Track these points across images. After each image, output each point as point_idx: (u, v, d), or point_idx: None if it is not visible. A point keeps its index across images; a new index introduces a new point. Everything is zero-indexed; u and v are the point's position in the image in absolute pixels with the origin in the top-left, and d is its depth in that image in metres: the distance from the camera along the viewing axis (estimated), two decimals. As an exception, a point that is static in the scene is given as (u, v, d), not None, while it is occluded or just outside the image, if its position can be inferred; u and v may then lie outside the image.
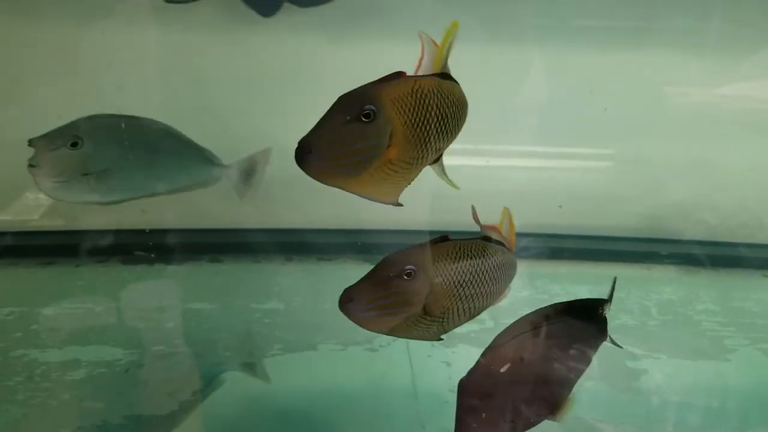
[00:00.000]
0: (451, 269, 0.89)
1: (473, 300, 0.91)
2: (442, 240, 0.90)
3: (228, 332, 1.39)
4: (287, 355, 1.32)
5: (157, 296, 1.48)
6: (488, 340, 1.40)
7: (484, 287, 0.92)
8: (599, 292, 1.01)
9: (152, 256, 1.62)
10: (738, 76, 1.70)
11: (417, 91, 0.79)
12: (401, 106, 0.78)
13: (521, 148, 1.77)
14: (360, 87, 0.78)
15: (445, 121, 0.82)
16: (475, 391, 0.85)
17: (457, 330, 1.41)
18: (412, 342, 1.35)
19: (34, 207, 1.58)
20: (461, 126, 0.87)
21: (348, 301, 0.85)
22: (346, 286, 0.87)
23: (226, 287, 1.56)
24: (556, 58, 1.66)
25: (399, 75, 0.80)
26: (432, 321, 0.89)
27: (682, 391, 1.30)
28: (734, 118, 1.73)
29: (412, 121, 0.79)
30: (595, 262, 1.74)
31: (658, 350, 1.40)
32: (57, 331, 1.37)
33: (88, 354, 1.29)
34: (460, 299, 0.90)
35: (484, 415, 0.85)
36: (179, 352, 1.31)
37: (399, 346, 1.35)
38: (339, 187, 0.79)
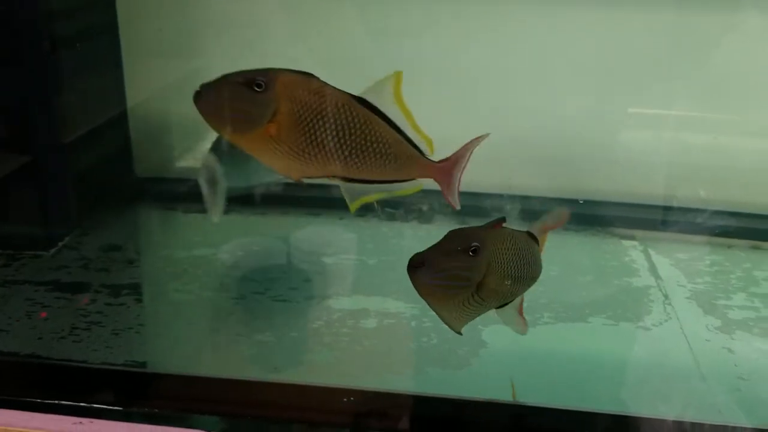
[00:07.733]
0: (504, 253, 0.92)
1: (513, 286, 0.95)
2: (497, 223, 0.94)
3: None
4: (559, 324, 1.36)
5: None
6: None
7: (522, 275, 0.95)
8: None
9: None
10: None
11: (315, 90, 0.86)
12: (292, 94, 0.85)
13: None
14: (270, 68, 0.86)
15: (344, 139, 0.86)
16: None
17: (733, 317, 1.39)
18: (686, 324, 1.35)
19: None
20: (373, 156, 0.88)
21: (419, 265, 0.86)
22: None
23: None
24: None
25: (307, 74, 0.87)
26: (477, 302, 0.92)
27: None
28: None
29: (299, 113, 0.85)
30: None
31: None
32: (342, 279, 1.48)
33: (374, 304, 1.39)
34: (503, 284, 0.93)
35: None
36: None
37: (670, 326, 1.35)
38: (231, 140, 0.88)
